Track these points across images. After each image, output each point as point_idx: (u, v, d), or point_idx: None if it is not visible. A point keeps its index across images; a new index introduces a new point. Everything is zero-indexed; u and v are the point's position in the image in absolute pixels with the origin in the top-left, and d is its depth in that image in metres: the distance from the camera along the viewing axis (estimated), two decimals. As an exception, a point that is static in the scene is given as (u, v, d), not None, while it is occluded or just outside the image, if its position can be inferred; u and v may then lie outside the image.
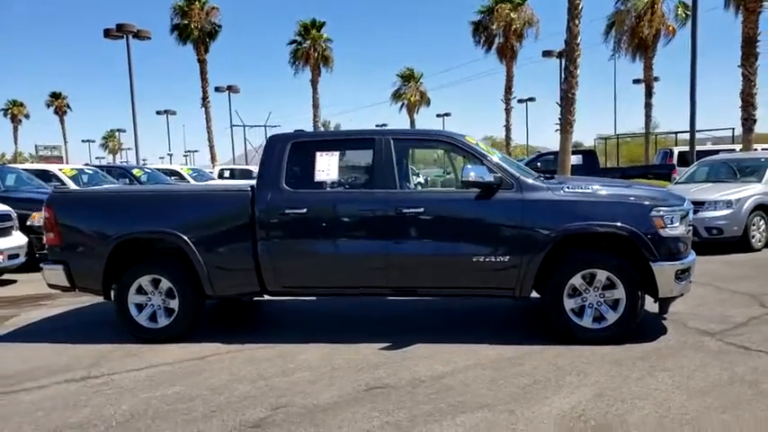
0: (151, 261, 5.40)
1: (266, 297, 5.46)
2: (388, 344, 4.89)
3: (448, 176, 6.11)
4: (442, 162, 5.98)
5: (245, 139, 46.00)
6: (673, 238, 4.70)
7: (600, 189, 4.95)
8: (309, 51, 38.24)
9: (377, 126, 65.89)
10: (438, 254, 4.88)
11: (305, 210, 5.01)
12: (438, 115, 59.26)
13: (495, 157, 5.04)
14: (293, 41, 39.10)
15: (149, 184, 15.58)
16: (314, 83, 39.56)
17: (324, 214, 5.04)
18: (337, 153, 5.16)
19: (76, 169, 14.12)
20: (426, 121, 55.71)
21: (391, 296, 5.75)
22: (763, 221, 9.69)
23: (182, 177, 19.03)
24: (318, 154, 5.16)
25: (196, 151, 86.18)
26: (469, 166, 4.74)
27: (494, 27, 32.08)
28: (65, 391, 4.13)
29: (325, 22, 39.19)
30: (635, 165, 25.34)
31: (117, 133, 78.06)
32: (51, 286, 5.61)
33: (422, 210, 4.86)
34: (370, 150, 5.09)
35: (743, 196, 9.51)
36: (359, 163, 5.29)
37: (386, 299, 6.40)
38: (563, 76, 14.63)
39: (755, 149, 16.91)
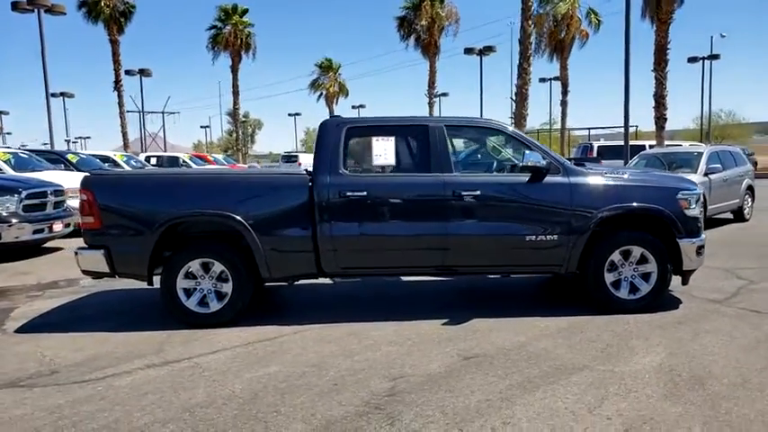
0: (202, 245, 5.30)
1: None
2: (444, 320, 5.17)
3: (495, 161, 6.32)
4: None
5: (141, 124, 43.43)
6: (693, 217, 5.36)
7: (632, 175, 5.52)
8: (230, 37, 37.16)
9: (289, 114, 64.93)
10: (493, 234, 5.22)
11: (365, 192, 5.16)
12: (353, 107, 59.45)
13: (541, 145, 5.46)
14: (213, 27, 37.83)
15: (85, 169, 14.70)
16: (234, 69, 38.60)
17: (383, 197, 5.22)
18: (393, 138, 5.35)
19: (10, 153, 13.04)
20: (343, 111, 55.91)
21: (445, 275, 6.03)
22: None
23: (116, 164, 17.98)
24: (374, 139, 5.33)
25: (88, 137, 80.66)
26: (528, 152, 5.11)
27: (423, 23, 32.83)
28: (157, 375, 4.06)
29: (247, 9, 38.16)
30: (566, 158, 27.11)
31: (-3, 115, 71.34)
32: (86, 272, 5.37)
33: (478, 192, 5.18)
34: (425, 136, 5.33)
35: (684, 185, 10.63)
36: (414, 148, 5.48)
37: (405, 281, 6.70)
38: (517, 72, 15.49)
39: (667, 145, 18.78)
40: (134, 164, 19.28)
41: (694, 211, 5.37)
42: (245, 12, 38.19)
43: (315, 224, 5.15)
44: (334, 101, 52.68)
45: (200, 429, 3.22)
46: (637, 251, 5.29)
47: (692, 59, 36.53)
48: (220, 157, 31.85)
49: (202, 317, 5.17)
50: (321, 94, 51.85)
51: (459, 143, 5.88)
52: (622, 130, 17.75)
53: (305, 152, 49.45)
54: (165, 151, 39.08)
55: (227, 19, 37.56)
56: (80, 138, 77.33)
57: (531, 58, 15.35)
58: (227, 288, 5.18)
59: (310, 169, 5.33)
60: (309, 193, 5.16)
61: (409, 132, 5.48)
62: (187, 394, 3.71)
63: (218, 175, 6.15)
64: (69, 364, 4.34)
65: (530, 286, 6.72)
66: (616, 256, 5.29)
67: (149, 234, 5.08)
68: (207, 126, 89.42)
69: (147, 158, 23.91)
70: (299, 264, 5.26)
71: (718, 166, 11.40)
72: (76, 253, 5.29)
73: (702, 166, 11.20)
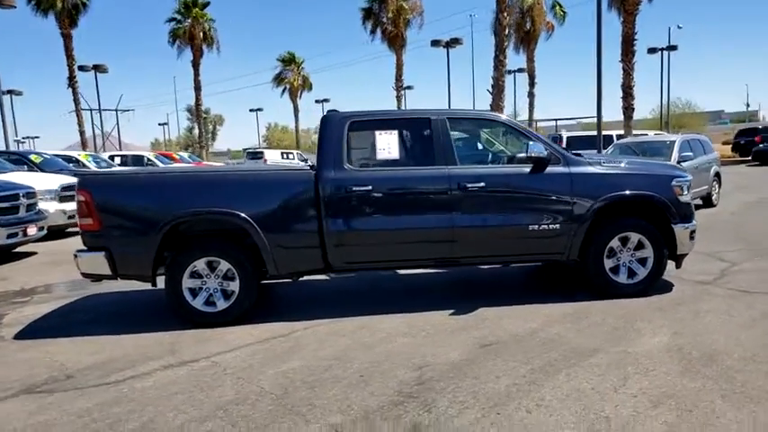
0: (208, 243, 5.25)
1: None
2: (450, 310, 5.26)
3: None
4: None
5: (92, 123, 41.51)
6: (686, 203, 5.58)
7: (628, 164, 5.71)
8: (193, 31, 36.42)
9: (251, 110, 64.56)
10: (498, 224, 5.33)
11: (370, 187, 5.19)
12: (317, 101, 58.95)
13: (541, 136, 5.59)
14: (172, 19, 37.00)
15: (49, 170, 14.33)
16: (195, 64, 37.85)
17: (388, 191, 5.26)
18: (396, 132, 5.40)
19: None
20: (307, 105, 55.73)
21: (449, 267, 6.10)
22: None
23: (80, 164, 17.48)
24: (377, 133, 5.37)
25: (36, 137, 77.74)
26: (531, 143, 5.23)
27: (389, 15, 32.81)
28: (178, 375, 4.02)
29: (209, 2, 37.41)
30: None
31: None
32: (86, 275, 5.26)
33: (483, 184, 5.27)
34: (428, 129, 5.39)
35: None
36: (417, 141, 5.53)
37: (400, 274, 6.78)
38: (493, 64, 15.70)
39: (634, 134, 19.33)
40: (95, 163, 18.78)
41: (687, 197, 5.59)
42: (206, 4, 37.48)
43: (321, 219, 5.16)
44: (298, 95, 52.37)
45: (239, 426, 3.23)
46: (634, 237, 5.48)
47: (652, 50, 37.31)
48: (185, 155, 31.30)
49: (209, 316, 5.14)
50: (285, 88, 51.47)
51: (461, 135, 5.94)
52: (584, 120, 18.16)
53: (268, 148, 48.98)
54: (121, 150, 37.99)
55: (188, 12, 36.78)
56: (28, 137, 74.59)
57: (507, 50, 15.65)
58: (234, 286, 5.15)
59: (310, 163, 5.33)
60: (315, 188, 5.16)
61: (412, 125, 5.54)
62: (216, 393, 3.70)
63: (221, 173, 6.07)
64: (83, 368, 4.26)
65: (520, 275, 6.86)
66: (615, 243, 5.47)
67: (153, 234, 5.01)
68: (165, 123, 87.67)
69: (111, 157, 23.29)
70: (306, 259, 5.27)
71: (690, 154, 11.82)
72: (76, 255, 5.18)
73: (675, 155, 11.59)
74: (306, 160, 41.95)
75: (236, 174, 5.83)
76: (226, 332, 4.95)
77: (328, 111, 5.96)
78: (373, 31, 34.44)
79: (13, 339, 5.09)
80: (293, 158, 42.31)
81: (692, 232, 5.61)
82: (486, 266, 6.93)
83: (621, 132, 19.69)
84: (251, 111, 68.00)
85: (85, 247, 5.15)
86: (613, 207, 5.44)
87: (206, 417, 3.35)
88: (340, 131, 5.29)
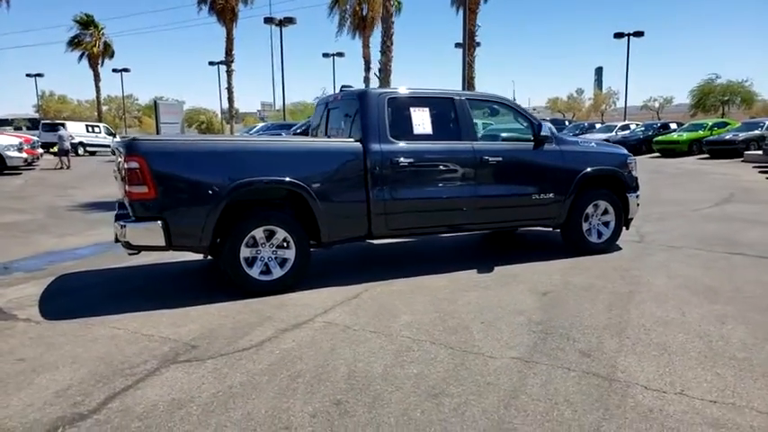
0: (264, 213, 5.19)
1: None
2: (473, 270, 5.97)
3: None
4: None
5: None
6: (635, 177, 7.00)
7: (597, 145, 6.94)
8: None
9: (28, 75, 56.15)
10: (512, 194, 6.16)
11: (412, 159, 5.64)
12: (114, 70, 53.49)
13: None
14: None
15: None
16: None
17: (428, 163, 5.76)
18: (427, 109, 5.87)
19: None
20: (106, 74, 50.60)
21: (466, 232, 6.72)
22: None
23: None
24: (413, 109, 5.80)
25: None
26: (543, 124, 6.13)
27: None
28: (312, 336, 4.13)
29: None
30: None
31: None
32: (131, 246, 4.87)
33: (500, 158, 6.05)
34: (453, 108, 5.98)
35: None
36: (445, 119, 6.03)
37: (378, 243, 7.27)
38: (380, 49, 16.33)
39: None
40: None
41: (635, 172, 7.00)
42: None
43: (368, 189, 5.47)
44: (99, 62, 47.23)
45: (437, 365, 3.56)
46: (602, 204, 6.73)
47: (458, 45, 41.43)
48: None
49: (267, 285, 5.17)
50: (83, 53, 46.03)
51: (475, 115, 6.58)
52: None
53: (70, 120, 43.57)
54: None
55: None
56: None
57: (394, 36, 16.53)
58: (290, 254, 5.23)
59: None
60: (363, 160, 5.44)
61: (439, 104, 6.05)
62: (373, 345, 3.94)
63: (279, 143, 5.91)
64: (191, 339, 4.10)
65: (484, 241, 7.79)
66: (590, 209, 6.66)
67: (216, 203, 4.87)
68: None
69: None
70: (353, 227, 5.53)
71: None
72: (123, 225, 4.78)
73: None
74: (114, 135, 38.09)
75: (292, 144, 5.76)
76: (293, 298, 5.05)
77: (342, 86, 6.21)
78: (203, 1, 32.65)
79: (47, 320, 4.55)
80: (100, 132, 38.33)
81: (638, 200, 7.05)
82: (457, 234, 7.71)
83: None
84: (28, 76, 59.33)
85: (134, 217, 4.78)
86: (591, 179, 6.62)
87: (397, 363, 3.62)
88: (380, 107, 5.62)
